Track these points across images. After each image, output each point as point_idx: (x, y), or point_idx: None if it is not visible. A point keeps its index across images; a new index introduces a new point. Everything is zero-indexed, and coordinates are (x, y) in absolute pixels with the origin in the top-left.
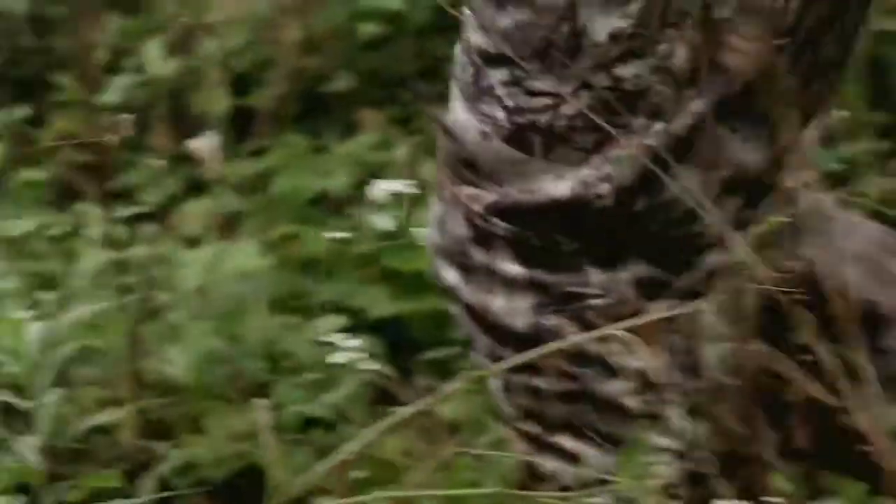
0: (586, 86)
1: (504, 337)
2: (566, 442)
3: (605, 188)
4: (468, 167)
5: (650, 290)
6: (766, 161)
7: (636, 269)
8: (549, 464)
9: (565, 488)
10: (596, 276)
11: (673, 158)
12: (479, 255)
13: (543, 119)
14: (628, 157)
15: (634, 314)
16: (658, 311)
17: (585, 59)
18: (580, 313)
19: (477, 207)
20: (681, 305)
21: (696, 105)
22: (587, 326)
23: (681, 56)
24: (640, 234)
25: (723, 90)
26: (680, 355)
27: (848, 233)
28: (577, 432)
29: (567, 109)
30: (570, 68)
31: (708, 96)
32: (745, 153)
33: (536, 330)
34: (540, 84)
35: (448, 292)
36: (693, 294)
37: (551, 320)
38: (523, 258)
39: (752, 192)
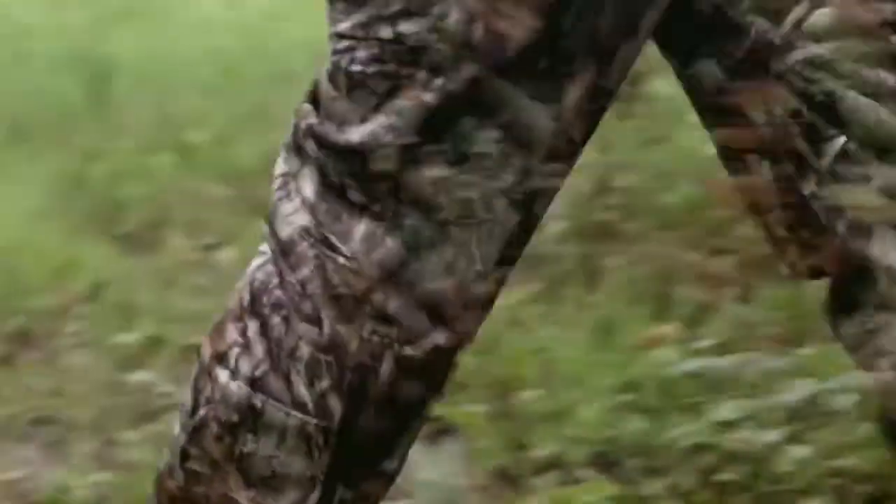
0: (375, 36)
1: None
2: None
3: (389, 139)
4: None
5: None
6: (555, 119)
7: (391, 254)
8: None
9: None
10: (358, 235)
11: (451, 115)
12: (290, 161)
13: (343, 61)
14: (410, 108)
15: (365, 292)
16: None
17: (370, 8)
18: (325, 261)
19: (302, 123)
20: None
21: (470, 67)
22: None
23: (455, 18)
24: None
25: (498, 53)
26: None
27: None
28: None
29: (361, 54)
30: (363, 12)
31: (483, 59)
32: (533, 110)
33: (288, 246)
34: (343, 25)
35: None
36: None
37: (308, 251)
38: (319, 186)
39: (541, 150)
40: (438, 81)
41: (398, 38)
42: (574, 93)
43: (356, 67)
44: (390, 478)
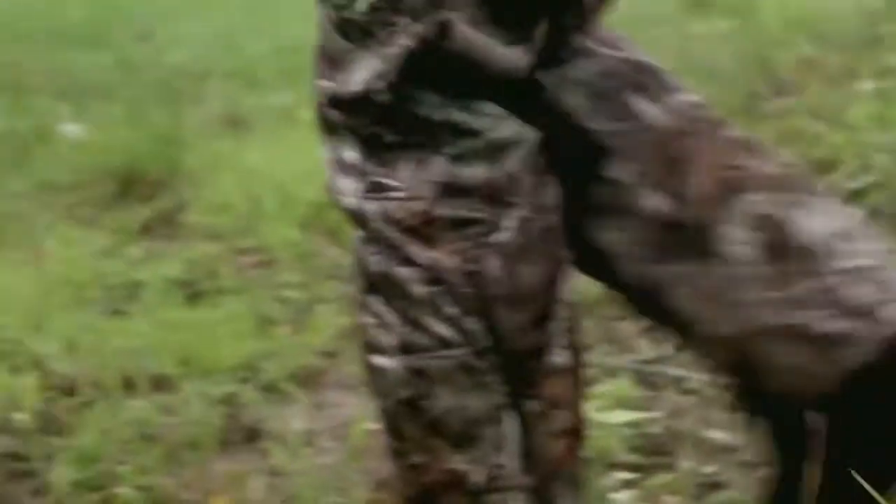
0: None
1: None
2: None
3: (381, 84)
4: (324, 58)
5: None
6: (530, 53)
7: (438, 170)
8: None
9: None
10: (404, 171)
11: (426, 56)
12: (328, 146)
13: (347, 12)
14: (395, 54)
15: (429, 210)
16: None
17: None
18: (385, 204)
19: (321, 97)
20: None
21: (440, 13)
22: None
23: None
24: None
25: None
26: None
27: (587, 61)
28: None
29: (360, 5)
30: None
31: (450, 5)
32: (507, 53)
33: (358, 211)
34: None
35: None
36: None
37: (370, 206)
38: (359, 146)
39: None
40: (416, 27)
41: None
42: (541, 29)
43: (359, 17)
44: (571, 371)
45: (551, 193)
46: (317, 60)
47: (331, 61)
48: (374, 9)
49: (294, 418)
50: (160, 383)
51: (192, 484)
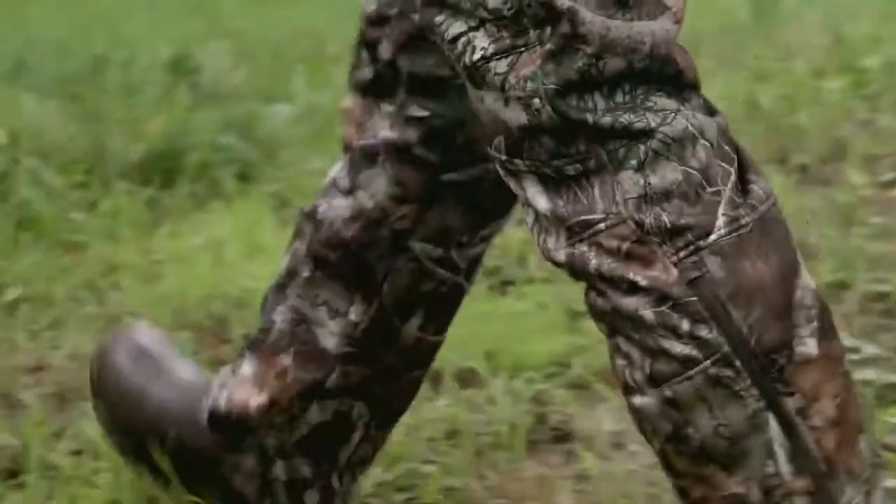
0: (479, 16)
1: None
2: None
3: (537, 103)
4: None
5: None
6: (677, 22)
7: (629, 186)
8: None
9: None
10: (598, 200)
11: (570, 54)
12: (524, 204)
13: (468, 58)
14: (537, 69)
15: (637, 228)
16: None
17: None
18: (595, 238)
19: (500, 158)
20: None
21: (562, 2)
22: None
23: None
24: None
25: None
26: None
27: None
28: None
29: (478, 42)
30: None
31: None
32: (649, 26)
33: (571, 261)
34: (453, 30)
35: None
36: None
37: (580, 248)
38: (546, 191)
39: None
40: (545, 31)
41: (496, 12)
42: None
43: (478, 56)
44: (826, 359)
45: (758, 183)
46: (486, 126)
47: (492, 120)
48: (493, 40)
49: (603, 419)
50: (467, 378)
51: (499, 487)
